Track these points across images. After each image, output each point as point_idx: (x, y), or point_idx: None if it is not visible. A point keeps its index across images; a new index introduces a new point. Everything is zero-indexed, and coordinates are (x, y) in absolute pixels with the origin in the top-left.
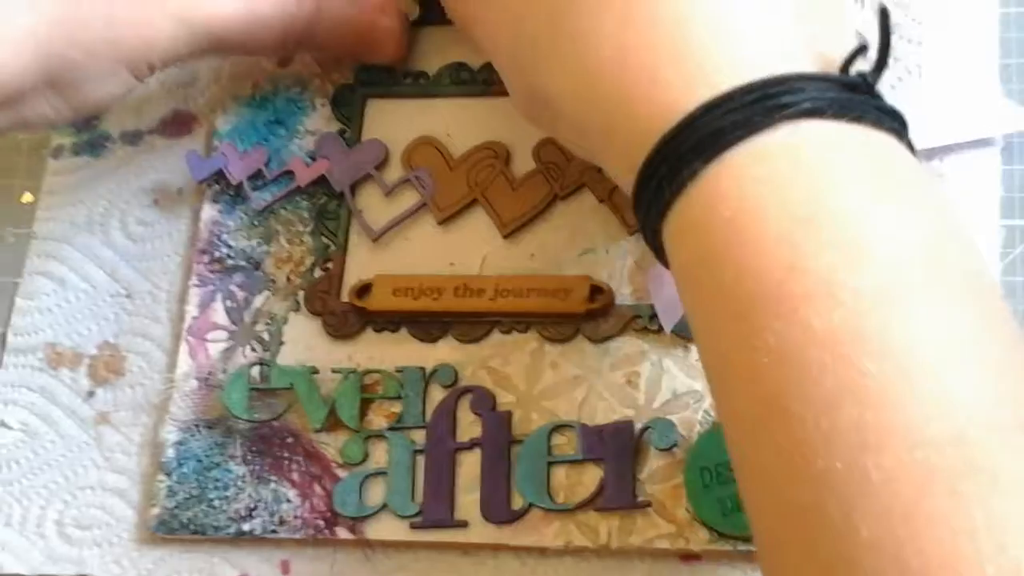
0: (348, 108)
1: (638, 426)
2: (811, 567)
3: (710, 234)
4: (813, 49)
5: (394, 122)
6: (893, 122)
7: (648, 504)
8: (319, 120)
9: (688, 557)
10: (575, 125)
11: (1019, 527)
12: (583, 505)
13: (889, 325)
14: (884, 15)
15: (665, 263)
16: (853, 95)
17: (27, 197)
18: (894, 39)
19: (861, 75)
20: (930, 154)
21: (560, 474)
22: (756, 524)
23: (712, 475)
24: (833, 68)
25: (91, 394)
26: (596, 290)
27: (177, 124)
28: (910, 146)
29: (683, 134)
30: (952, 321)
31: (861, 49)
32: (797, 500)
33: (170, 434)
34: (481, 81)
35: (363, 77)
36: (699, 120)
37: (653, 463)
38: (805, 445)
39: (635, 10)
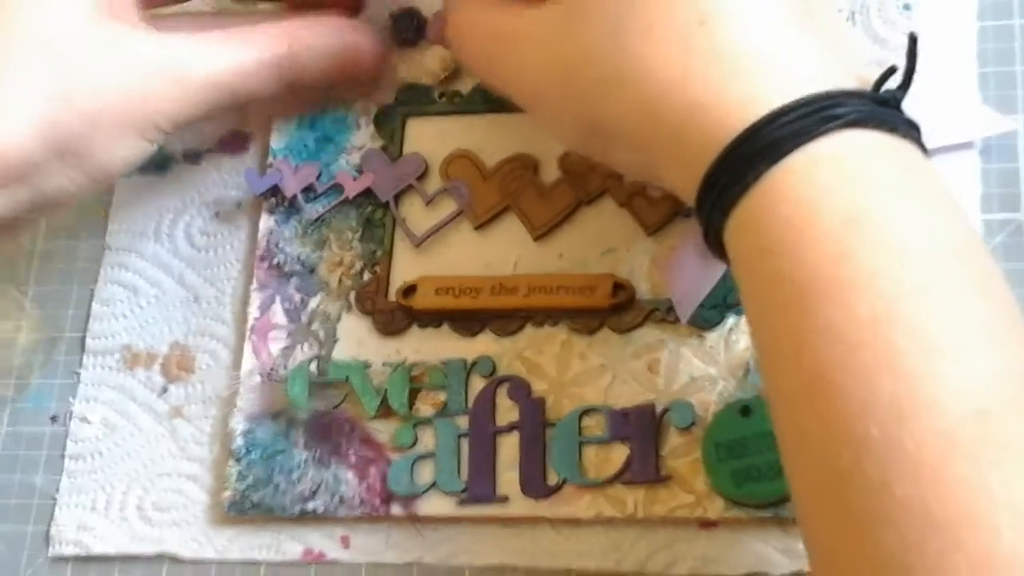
0: (389, 126)
1: (659, 408)
2: (849, 523)
3: (770, 229)
4: (847, 69)
5: (431, 138)
6: (916, 133)
7: (669, 477)
8: (363, 137)
9: (706, 524)
10: (636, 146)
11: None
12: (611, 480)
13: (921, 311)
14: (913, 41)
15: (722, 258)
16: (886, 109)
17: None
18: (889, 55)
19: (890, 92)
20: None
21: (590, 453)
22: (798, 486)
23: (726, 451)
24: (866, 86)
25: (165, 390)
26: (619, 286)
27: (234, 143)
28: (925, 151)
29: (746, 143)
30: (974, 310)
31: (891, 71)
32: (837, 463)
33: (238, 424)
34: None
35: (402, 97)
36: (760, 131)
37: (673, 441)
38: (846, 414)
39: (694, 46)
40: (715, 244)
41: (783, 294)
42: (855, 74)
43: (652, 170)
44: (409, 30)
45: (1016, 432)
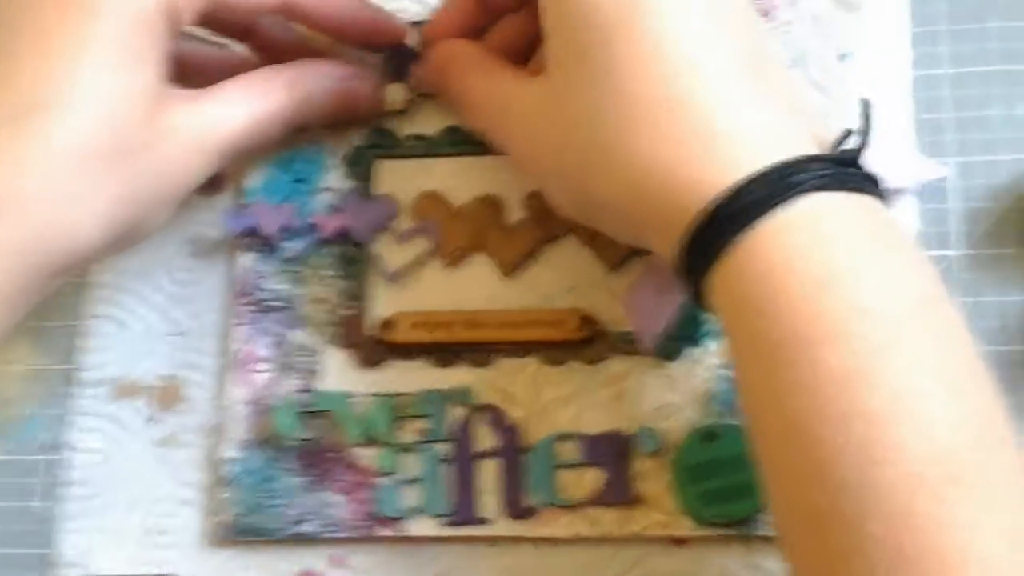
0: (360, 167)
1: (628, 434)
2: (827, 555)
3: (744, 291)
4: (807, 133)
5: (401, 179)
6: (876, 187)
7: (641, 499)
8: (335, 178)
9: (677, 541)
10: (623, 218)
11: (989, 523)
12: (586, 501)
13: (887, 365)
14: (866, 105)
15: (707, 311)
16: (847, 169)
17: None
18: (827, 101)
19: (849, 152)
20: None
21: (566, 476)
22: (780, 521)
23: (693, 474)
24: (824, 145)
25: (155, 420)
26: (585, 320)
27: (209, 183)
28: (885, 200)
29: (717, 212)
30: (935, 359)
31: (847, 133)
32: (817, 503)
33: (229, 452)
34: (474, 142)
35: (372, 140)
36: (730, 201)
37: (643, 464)
38: (823, 459)
39: (665, 130)
40: (699, 301)
41: (761, 350)
42: (812, 132)
43: (639, 238)
44: (401, 65)
45: (976, 471)
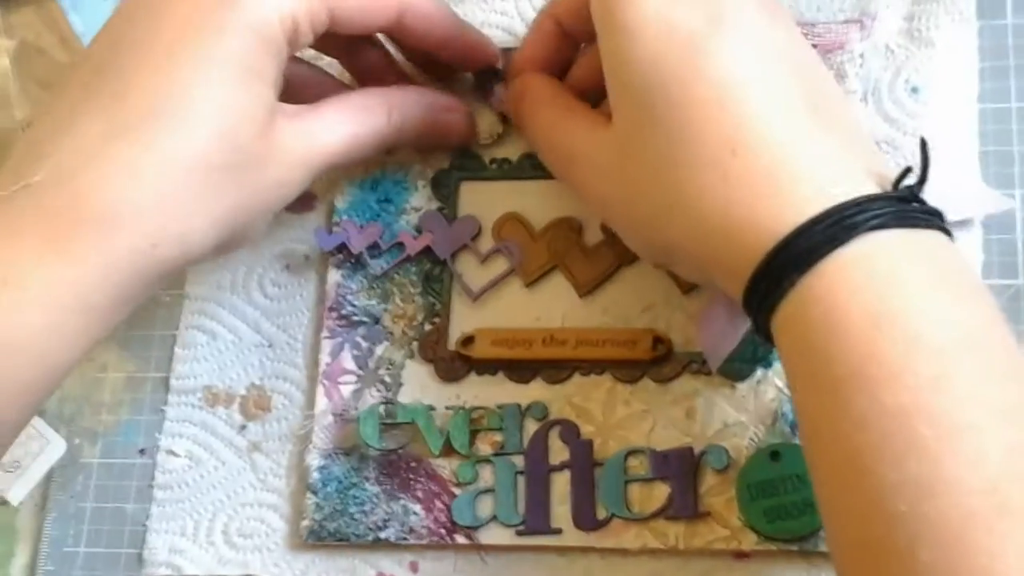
0: (445, 189)
1: (696, 450)
2: None
3: (806, 330)
4: (866, 169)
5: (483, 200)
6: (937, 220)
7: (707, 513)
8: (421, 199)
9: (740, 555)
10: (692, 259)
11: None
12: (655, 515)
13: (940, 399)
14: (924, 144)
15: (772, 344)
16: (906, 206)
17: None
18: (897, 134)
19: (908, 188)
20: None
21: (635, 490)
22: (836, 549)
23: (758, 491)
24: (884, 180)
25: (244, 427)
26: (658, 340)
27: (301, 202)
28: (950, 234)
29: (780, 255)
30: (988, 393)
31: (907, 171)
32: (871, 533)
33: (314, 460)
34: None
35: (457, 163)
36: (792, 243)
37: (710, 480)
38: (879, 492)
39: (729, 174)
40: (764, 336)
41: (820, 386)
42: (871, 167)
43: (707, 277)
44: (490, 85)
45: None
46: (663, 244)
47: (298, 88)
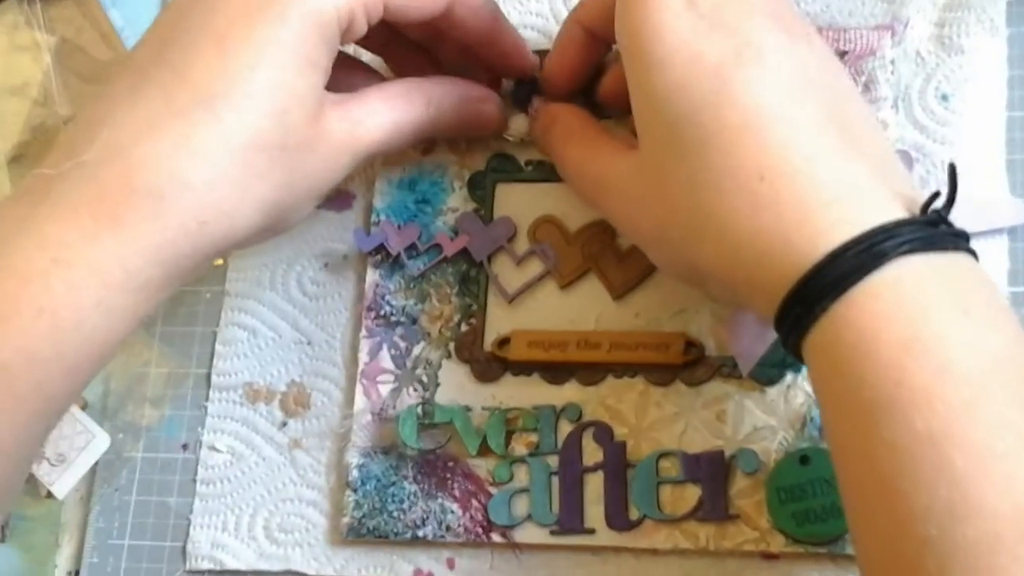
0: (481, 190)
1: (727, 454)
2: None
3: (837, 354)
4: (894, 193)
5: (519, 202)
6: (964, 242)
7: (737, 516)
8: (458, 200)
9: (769, 556)
10: (723, 283)
11: None
12: (686, 516)
13: (970, 425)
14: (953, 170)
15: (802, 362)
16: (935, 230)
17: (218, 261)
18: (927, 141)
19: (936, 212)
20: None
21: (667, 491)
22: (866, 565)
23: (787, 494)
24: (912, 204)
25: (284, 424)
26: (690, 344)
27: (340, 200)
28: (975, 255)
29: (812, 281)
30: (1018, 419)
31: (935, 195)
32: (902, 554)
33: (353, 458)
34: None
35: (493, 165)
36: (823, 270)
37: (740, 483)
38: (910, 515)
39: (758, 200)
40: (795, 355)
41: (851, 410)
42: (898, 190)
43: (739, 300)
44: (527, 97)
45: None
46: (694, 267)
47: (340, 77)
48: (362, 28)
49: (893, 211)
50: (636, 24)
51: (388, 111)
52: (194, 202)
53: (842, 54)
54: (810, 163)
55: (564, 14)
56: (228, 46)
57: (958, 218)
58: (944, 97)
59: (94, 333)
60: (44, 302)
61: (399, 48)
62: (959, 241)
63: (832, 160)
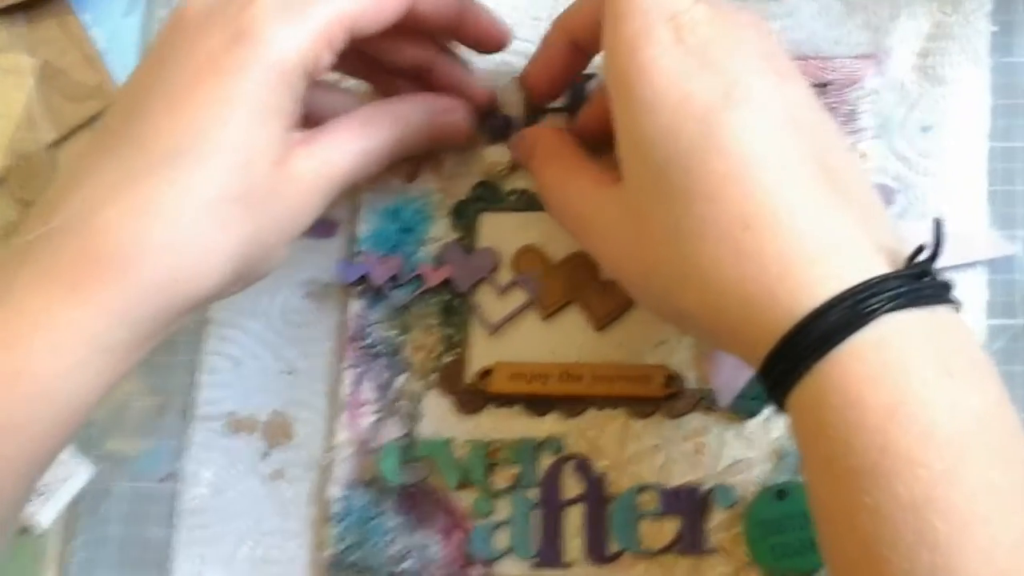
0: (465, 219)
1: (705, 487)
2: None
3: (822, 417)
4: (879, 246)
5: (502, 231)
6: (948, 293)
7: (715, 549)
8: (441, 229)
9: None
10: (707, 331)
11: None
12: (664, 550)
13: (953, 493)
14: (938, 224)
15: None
16: (919, 284)
17: None
18: (908, 172)
19: (920, 265)
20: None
21: (646, 525)
22: None
23: (765, 528)
24: (896, 257)
25: (266, 455)
26: (670, 377)
27: (323, 228)
28: (959, 306)
29: (796, 338)
30: (998, 480)
31: (919, 249)
32: None
33: (335, 491)
34: None
35: (476, 194)
36: (808, 327)
37: (718, 517)
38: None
39: (742, 249)
40: (779, 408)
41: (835, 473)
42: (883, 241)
43: (725, 348)
44: (498, 130)
45: None
46: (678, 313)
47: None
48: (329, 61)
49: (877, 266)
50: (623, 63)
51: (354, 140)
52: (158, 264)
53: (824, 84)
54: (795, 215)
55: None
56: (188, 105)
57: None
58: (926, 128)
59: (68, 398)
60: (19, 366)
61: (374, 69)
62: (942, 292)
63: (818, 211)
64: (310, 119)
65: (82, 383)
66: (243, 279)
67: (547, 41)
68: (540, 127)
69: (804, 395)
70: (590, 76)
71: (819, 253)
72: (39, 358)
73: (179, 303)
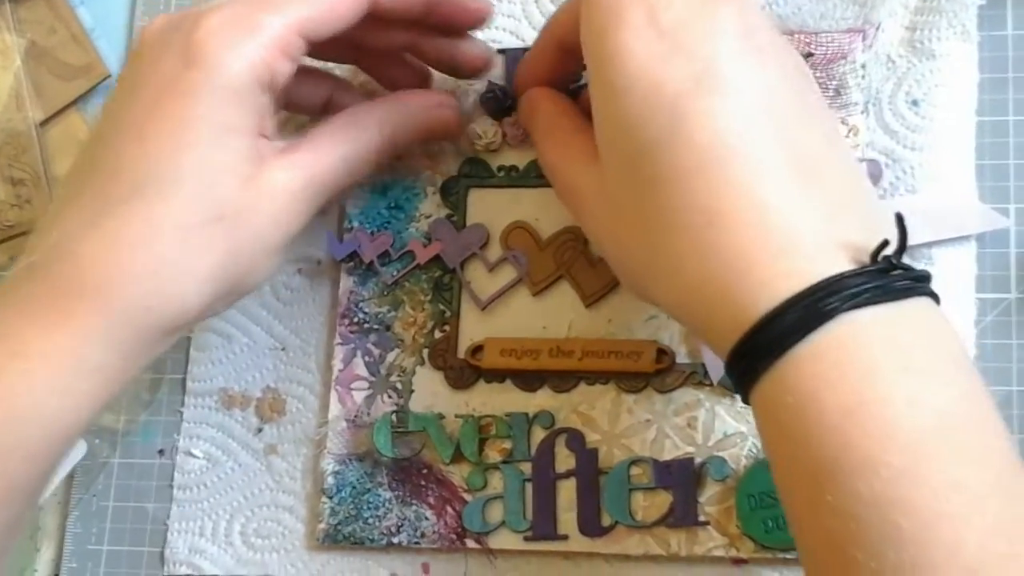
0: (454, 196)
1: (698, 460)
2: None
3: (782, 416)
4: (844, 242)
5: (492, 207)
6: (921, 283)
7: (707, 522)
8: (431, 206)
9: (738, 561)
10: (678, 319)
11: None
12: (657, 522)
13: (916, 490)
14: (900, 219)
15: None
16: (885, 278)
17: None
18: (897, 147)
19: (887, 259)
20: (922, 247)
21: (638, 498)
22: None
23: (756, 500)
24: (861, 252)
25: (260, 430)
26: (662, 352)
27: None
28: (934, 296)
29: (756, 336)
30: (963, 476)
31: (884, 243)
32: None
33: (328, 465)
34: None
35: (465, 170)
36: (766, 326)
37: (710, 490)
38: (858, 574)
39: (706, 246)
40: (746, 402)
41: (797, 471)
42: (850, 237)
43: (697, 336)
44: (499, 105)
45: None
46: (650, 296)
47: (306, 92)
48: (289, 68)
49: (839, 263)
50: (597, 47)
51: (338, 145)
52: (137, 291)
53: (810, 56)
54: (759, 210)
55: (536, 16)
56: (150, 132)
57: (926, 225)
58: (915, 102)
59: (55, 420)
60: (1, 392)
61: (362, 54)
62: (914, 286)
63: (784, 206)
64: (305, 108)
65: (71, 403)
66: (230, 294)
67: (538, 42)
68: (539, 92)
69: (764, 394)
70: None
71: (780, 250)
72: (21, 380)
73: (164, 324)
